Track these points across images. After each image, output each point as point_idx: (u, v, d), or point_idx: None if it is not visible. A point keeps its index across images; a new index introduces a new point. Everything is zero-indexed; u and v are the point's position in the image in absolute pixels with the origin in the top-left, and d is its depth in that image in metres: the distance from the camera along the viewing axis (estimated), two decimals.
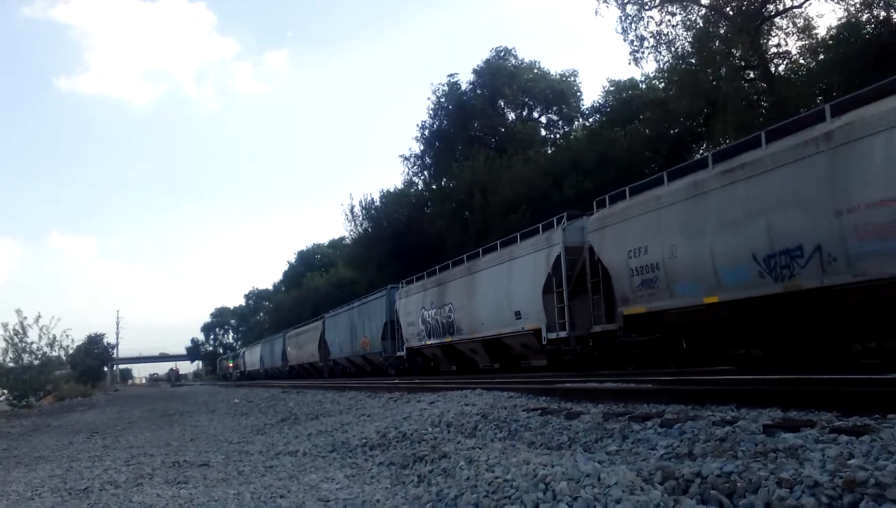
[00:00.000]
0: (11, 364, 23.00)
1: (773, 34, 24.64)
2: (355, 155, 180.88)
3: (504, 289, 16.12)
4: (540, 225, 15.49)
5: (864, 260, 7.89)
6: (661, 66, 27.47)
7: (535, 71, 39.18)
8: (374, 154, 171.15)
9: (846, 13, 21.74)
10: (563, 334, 13.82)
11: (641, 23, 25.66)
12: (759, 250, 9.25)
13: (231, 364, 66.79)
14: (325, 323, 32.04)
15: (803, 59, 24.47)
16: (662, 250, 10.96)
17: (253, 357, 53.76)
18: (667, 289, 10.91)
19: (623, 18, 25.79)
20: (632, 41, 25.84)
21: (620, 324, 12.05)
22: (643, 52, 25.95)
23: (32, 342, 23.24)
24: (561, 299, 13.87)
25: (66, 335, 25.14)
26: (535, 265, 14.89)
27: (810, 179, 8.56)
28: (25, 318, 23.01)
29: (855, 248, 7.98)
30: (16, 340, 22.96)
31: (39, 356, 23.71)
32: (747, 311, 9.65)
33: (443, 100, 38.83)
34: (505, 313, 16.01)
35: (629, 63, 26.71)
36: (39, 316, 23.34)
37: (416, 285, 22.02)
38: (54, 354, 24.77)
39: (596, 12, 27.66)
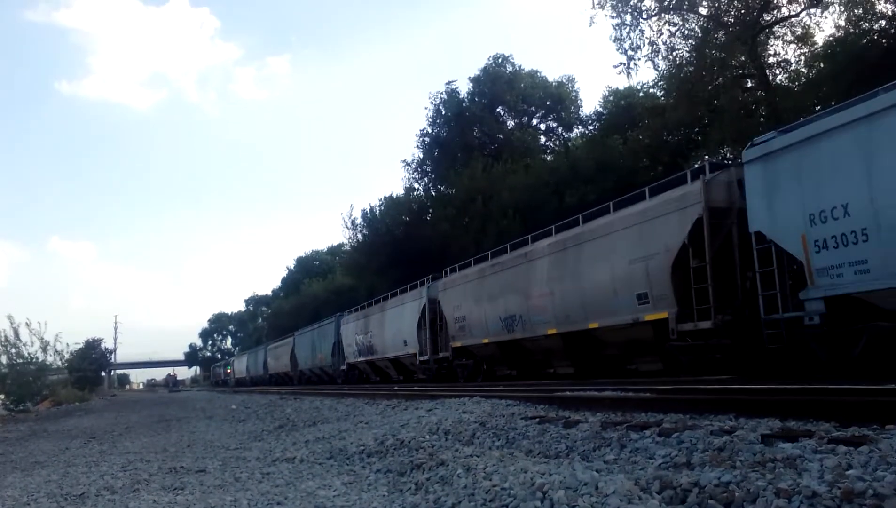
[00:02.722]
0: (6, 370, 22.94)
1: (771, 43, 24.74)
2: (356, 161, 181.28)
3: (398, 324, 22.90)
4: (419, 281, 22.01)
5: (534, 325, 14.73)
6: (658, 74, 27.52)
7: (534, 78, 39.27)
8: (375, 160, 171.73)
9: (844, 22, 21.87)
10: (426, 357, 20.64)
11: (636, 31, 25.64)
12: (501, 314, 16.03)
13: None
14: (294, 340, 38.50)
15: (802, 67, 24.58)
16: (466, 309, 17.89)
17: (241, 366, 59.45)
18: (469, 333, 17.73)
19: (618, 27, 25.74)
20: (626, 50, 25.79)
21: (450, 353, 18.89)
22: (636, 62, 25.92)
23: (25, 344, 23.22)
24: (425, 334, 20.66)
25: (59, 340, 25.13)
26: (413, 310, 21.68)
27: (519, 277, 15.46)
28: (17, 325, 23.00)
29: (532, 317, 14.81)
30: (8, 345, 22.92)
31: (34, 361, 23.65)
32: (501, 348, 16.43)
33: (441, 108, 38.92)
34: (399, 340, 22.73)
35: (619, 73, 26.59)
36: (28, 322, 23.37)
37: (353, 315, 28.71)
38: (49, 358, 24.74)
39: (591, 22, 27.18)
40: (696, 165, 10.93)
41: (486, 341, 16.75)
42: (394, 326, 23.19)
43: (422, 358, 20.79)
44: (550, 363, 15.24)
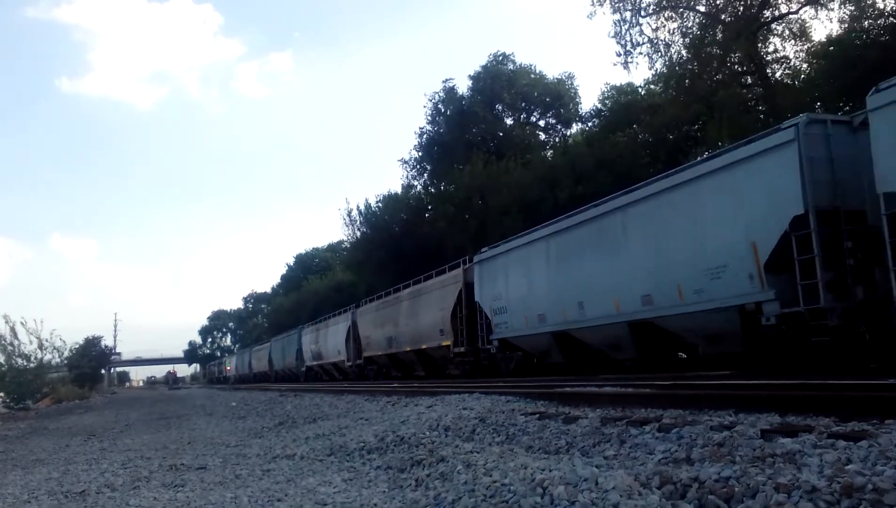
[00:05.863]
0: (5, 369, 22.92)
1: (770, 41, 24.71)
2: (358, 157, 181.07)
3: (335, 337, 30.80)
4: (348, 307, 29.85)
5: (401, 344, 22.44)
6: (657, 71, 27.51)
7: (533, 75, 39.18)
8: (375, 157, 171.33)
9: (843, 21, 21.83)
10: (350, 363, 28.36)
11: (636, 28, 25.60)
12: (388, 336, 23.69)
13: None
14: (271, 345, 46.94)
15: (801, 64, 24.54)
16: (371, 330, 25.82)
17: (232, 364, 67.61)
18: (372, 347, 25.52)
19: (617, 23, 25.72)
20: (624, 45, 25.77)
21: (363, 360, 26.65)
22: (635, 57, 25.91)
23: (22, 343, 23.22)
24: (350, 345, 28.16)
25: (57, 337, 25.12)
26: (343, 328, 29.36)
27: (394, 313, 23.33)
28: (13, 323, 23.00)
29: (400, 339, 22.62)
30: (6, 344, 22.90)
31: (32, 359, 23.65)
32: (389, 358, 24.06)
33: (440, 106, 38.86)
34: (335, 350, 30.84)
35: (615, 65, 26.70)
36: (24, 321, 23.39)
37: (309, 328, 36.94)
38: (47, 356, 24.73)
39: (590, 16, 27.48)
40: (463, 258, 19.04)
41: (380, 352, 24.50)
42: (332, 339, 31.20)
43: (348, 363, 28.71)
44: (413, 368, 22.95)
